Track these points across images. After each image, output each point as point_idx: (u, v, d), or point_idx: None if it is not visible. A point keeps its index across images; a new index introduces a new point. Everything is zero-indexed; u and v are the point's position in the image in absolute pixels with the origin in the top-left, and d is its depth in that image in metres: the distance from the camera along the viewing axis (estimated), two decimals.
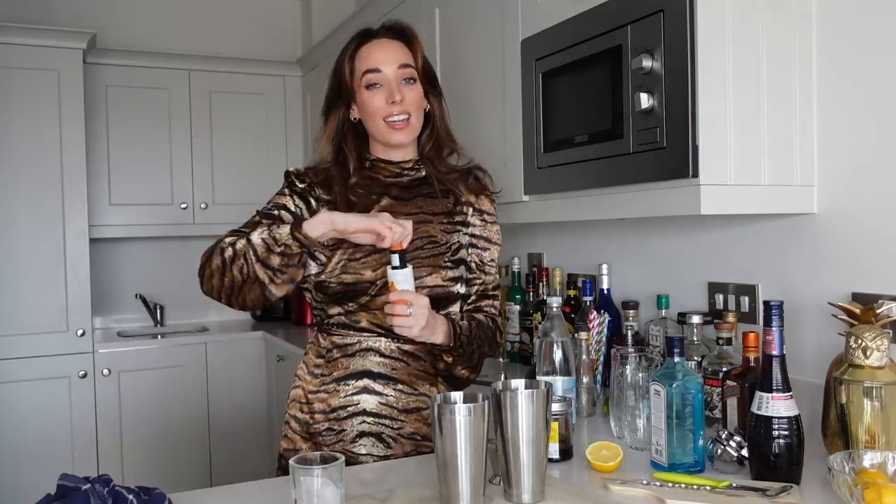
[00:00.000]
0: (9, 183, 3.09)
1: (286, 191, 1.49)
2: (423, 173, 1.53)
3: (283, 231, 1.31)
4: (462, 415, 1.09)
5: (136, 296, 3.73)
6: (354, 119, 1.49)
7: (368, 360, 1.45)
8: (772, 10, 1.46)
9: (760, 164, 1.45)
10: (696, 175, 1.37)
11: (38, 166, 3.13)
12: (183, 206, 3.62)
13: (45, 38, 3.13)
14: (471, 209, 1.54)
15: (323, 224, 1.31)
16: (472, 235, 1.53)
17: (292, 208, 1.46)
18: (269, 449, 3.53)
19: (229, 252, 1.33)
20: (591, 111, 1.62)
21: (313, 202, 1.47)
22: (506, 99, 1.99)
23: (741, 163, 1.42)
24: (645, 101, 1.43)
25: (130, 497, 1.08)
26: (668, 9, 1.40)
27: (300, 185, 1.48)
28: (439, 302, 1.45)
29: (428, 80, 1.51)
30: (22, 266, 3.11)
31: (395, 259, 1.34)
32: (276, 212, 1.45)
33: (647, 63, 1.43)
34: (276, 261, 1.30)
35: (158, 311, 3.75)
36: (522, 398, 1.13)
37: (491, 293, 1.56)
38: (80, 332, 3.19)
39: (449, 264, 1.48)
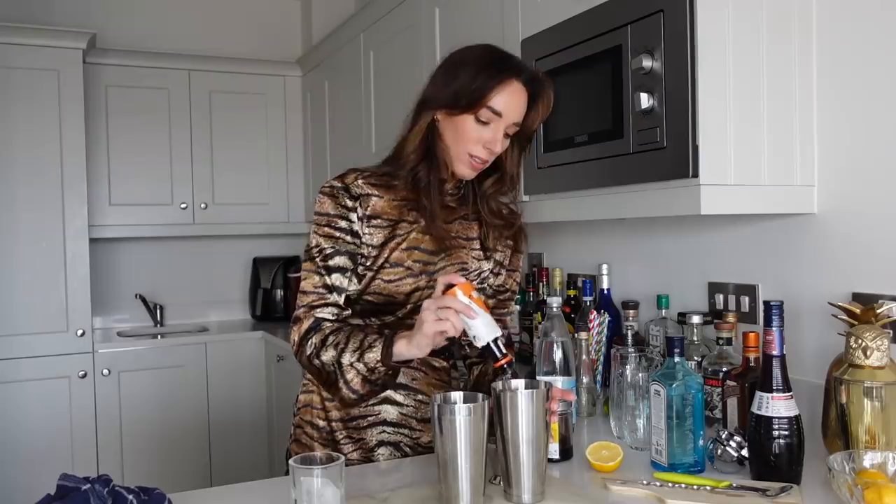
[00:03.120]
0: (9, 183, 3.09)
1: (337, 220, 1.38)
2: (464, 196, 1.49)
3: (374, 356, 1.27)
4: (462, 415, 1.09)
5: (136, 296, 3.73)
6: (436, 120, 1.41)
7: None
8: (772, 9, 1.46)
9: (760, 164, 1.45)
10: (696, 175, 1.37)
11: (38, 166, 3.13)
12: (183, 206, 3.62)
13: (45, 38, 3.13)
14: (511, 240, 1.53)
15: (409, 344, 1.25)
16: (495, 261, 1.52)
17: (351, 245, 1.38)
18: (269, 449, 3.53)
19: (317, 363, 1.34)
20: (591, 111, 1.62)
21: (358, 222, 1.39)
22: None
23: (741, 163, 1.42)
24: (645, 101, 1.43)
25: (130, 497, 1.08)
26: (668, 9, 1.40)
27: (349, 202, 1.39)
28: None
29: (528, 138, 1.47)
30: (22, 266, 3.11)
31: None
32: (333, 260, 1.37)
33: (647, 63, 1.43)
34: (366, 389, 1.32)
35: (158, 311, 3.75)
36: (522, 398, 1.13)
37: (499, 312, 1.54)
38: (79, 332, 3.19)
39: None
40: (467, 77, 1.36)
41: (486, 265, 1.50)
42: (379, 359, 1.26)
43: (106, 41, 3.54)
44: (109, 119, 3.48)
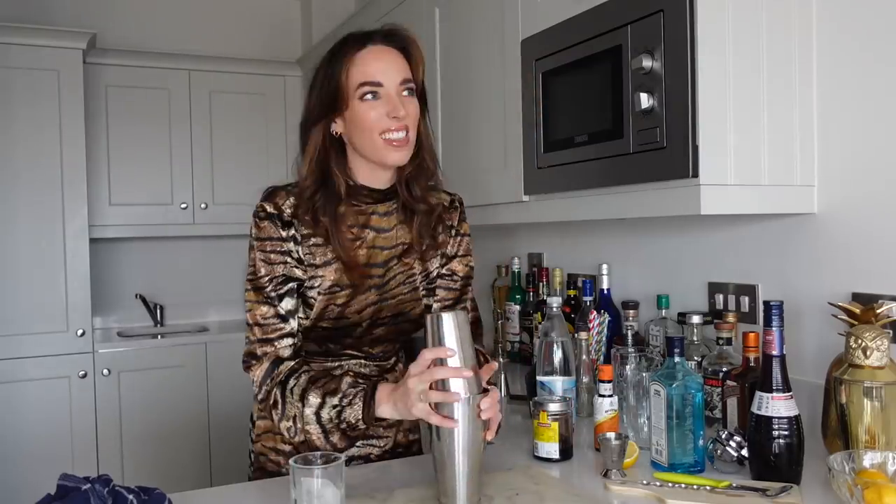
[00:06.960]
0: (9, 183, 3.08)
1: (281, 243, 1.31)
2: (399, 197, 1.37)
3: (354, 415, 1.20)
4: (458, 410, 1.09)
5: (136, 296, 3.72)
6: (336, 134, 1.32)
7: None
8: (772, 10, 1.46)
9: (760, 164, 1.45)
10: (696, 175, 1.37)
11: (38, 166, 3.13)
12: (183, 206, 3.61)
13: (45, 38, 3.13)
14: (440, 225, 1.42)
15: (394, 411, 1.18)
16: (443, 255, 1.43)
17: (297, 269, 1.31)
18: None
19: (287, 424, 1.27)
20: (591, 111, 1.62)
21: (297, 247, 1.32)
22: (506, 99, 1.99)
23: (741, 163, 1.42)
24: (645, 101, 1.43)
25: (130, 497, 1.08)
26: (668, 9, 1.40)
27: (283, 232, 1.31)
28: (412, 324, 1.41)
29: (422, 97, 1.34)
30: (22, 266, 3.10)
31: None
32: (285, 287, 1.31)
33: (647, 63, 1.43)
34: (337, 436, 1.27)
35: (158, 311, 3.75)
36: (457, 404, 1.10)
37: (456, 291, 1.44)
38: (80, 332, 3.18)
39: (424, 292, 1.41)
40: (324, 73, 1.30)
41: (434, 263, 1.41)
42: (360, 417, 1.20)
43: (106, 41, 3.54)
44: (109, 119, 3.47)
